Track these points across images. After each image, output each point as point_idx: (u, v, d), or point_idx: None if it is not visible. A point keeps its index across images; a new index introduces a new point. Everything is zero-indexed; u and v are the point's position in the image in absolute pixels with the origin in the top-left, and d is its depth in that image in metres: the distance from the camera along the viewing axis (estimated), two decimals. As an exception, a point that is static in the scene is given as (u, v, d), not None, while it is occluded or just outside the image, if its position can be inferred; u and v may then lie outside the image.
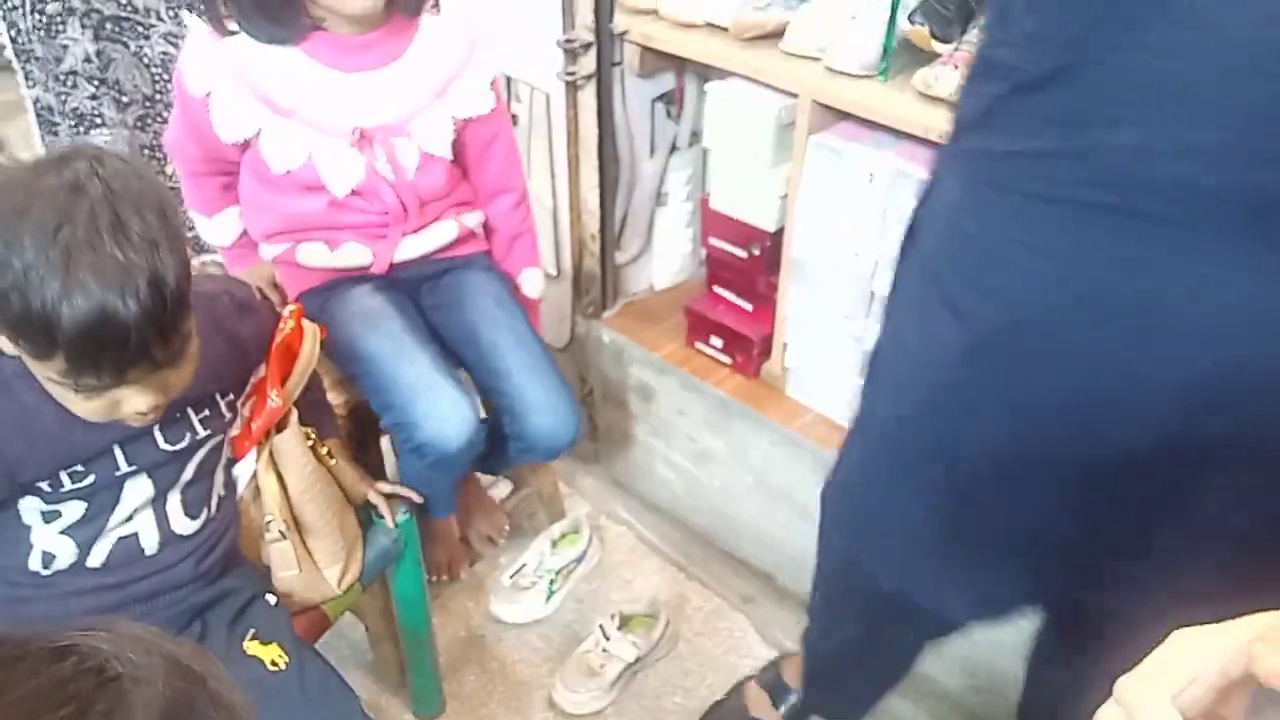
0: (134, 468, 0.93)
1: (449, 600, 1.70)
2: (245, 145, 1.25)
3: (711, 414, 1.65)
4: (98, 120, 2.16)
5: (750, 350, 1.62)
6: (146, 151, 2.21)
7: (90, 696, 0.32)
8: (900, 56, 1.27)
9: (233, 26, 1.18)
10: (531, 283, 1.50)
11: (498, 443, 1.43)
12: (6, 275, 0.72)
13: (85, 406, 0.82)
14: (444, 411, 1.26)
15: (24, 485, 0.88)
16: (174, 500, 0.98)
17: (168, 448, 0.95)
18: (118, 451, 0.91)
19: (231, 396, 1.02)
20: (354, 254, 1.34)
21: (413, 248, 1.37)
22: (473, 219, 1.43)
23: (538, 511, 1.80)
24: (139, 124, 2.18)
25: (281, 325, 1.04)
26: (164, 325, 0.77)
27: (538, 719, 1.54)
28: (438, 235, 1.39)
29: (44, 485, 0.89)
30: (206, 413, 0.98)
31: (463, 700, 1.56)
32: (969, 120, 0.78)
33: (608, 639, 1.57)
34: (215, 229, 1.40)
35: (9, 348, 0.80)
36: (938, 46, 1.22)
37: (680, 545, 1.81)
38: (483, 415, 1.35)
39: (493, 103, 1.31)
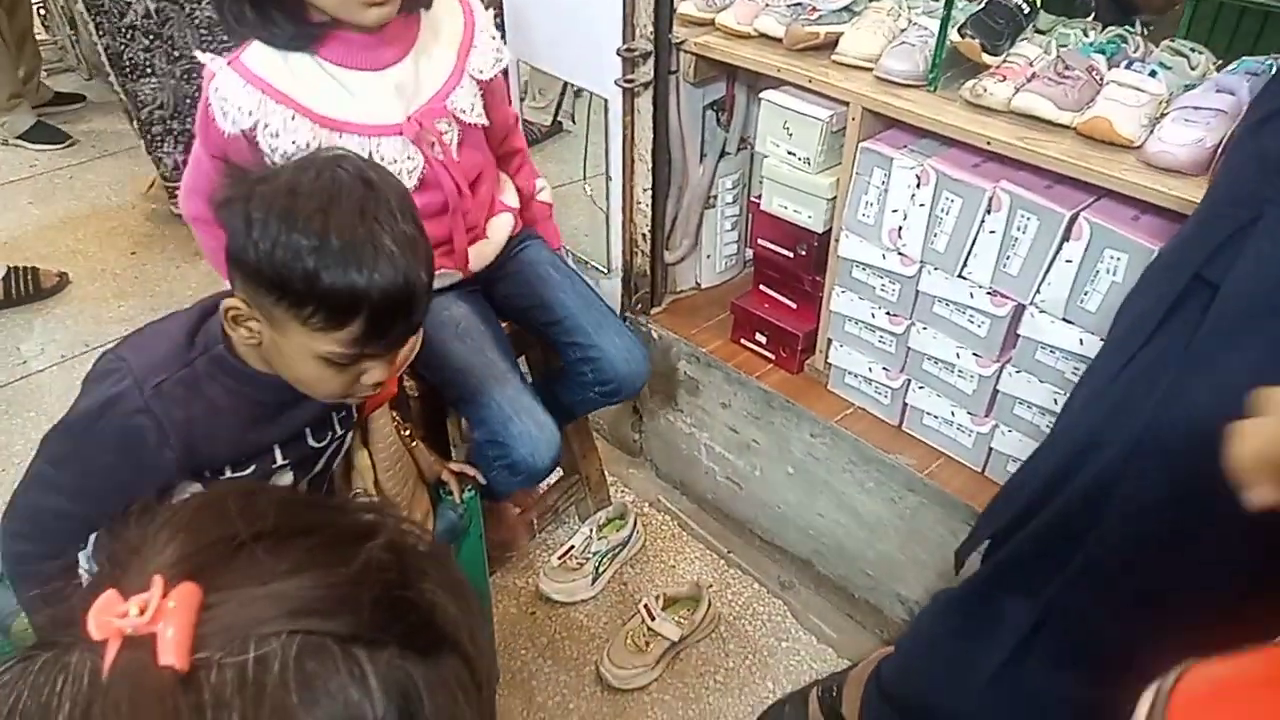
0: (286, 462, 1.02)
1: (500, 579, 1.78)
2: None
3: (754, 407, 1.73)
4: (148, 70, 2.32)
5: (794, 346, 1.69)
6: (189, 101, 2.40)
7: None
8: (949, 67, 1.34)
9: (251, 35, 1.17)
10: (545, 191, 1.59)
11: (574, 393, 1.55)
12: (323, 257, 0.80)
13: (334, 382, 0.89)
14: (535, 433, 1.37)
15: (195, 474, 0.96)
16: (301, 488, 1.07)
17: (314, 445, 1.04)
18: (277, 449, 1.00)
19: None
20: (445, 278, 1.42)
21: (485, 253, 1.45)
22: (511, 197, 1.50)
23: (585, 497, 1.88)
24: (184, 76, 2.34)
25: None
26: (430, 296, 0.87)
27: (586, 693, 1.61)
28: (500, 232, 1.47)
29: (207, 474, 0.97)
30: (344, 413, 1.07)
31: (514, 673, 1.63)
32: None
33: (652, 618, 1.65)
34: None
35: (245, 338, 0.88)
36: (987, 58, 1.29)
37: (721, 533, 1.88)
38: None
39: (509, 59, 1.36)
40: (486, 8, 1.34)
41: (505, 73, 1.40)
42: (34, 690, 0.35)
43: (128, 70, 2.32)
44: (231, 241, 0.83)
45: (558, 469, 1.86)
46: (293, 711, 0.34)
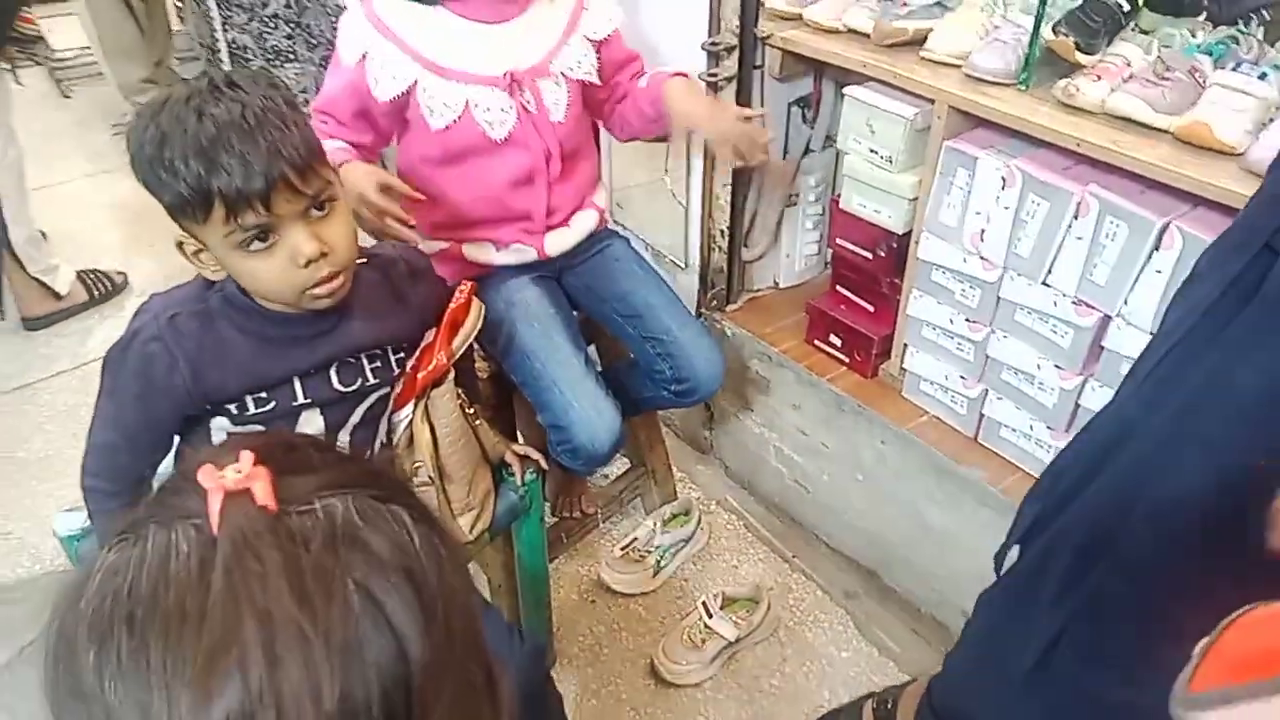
0: (309, 401, 1.05)
1: (562, 565, 1.80)
2: (398, 106, 1.32)
3: (825, 410, 1.70)
4: (290, 56, 2.50)
5: (869, 350, 1.65)
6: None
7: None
8: (1041, 66, 1.29)
9: None
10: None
11: (645, 389, 1.57)
12: (162, 151, 0.85)
13: (267, 266, 0.92)
14: (594, 418, 1.39)
15: (216, 406, 1.02)
16: (343, 440, 1.10)
17: (340, 388, 1.07)
18: (297, 384, 1.04)
19: (402, 354, 1.13)
20: (520, 253, 1.46)
21: (565, 241, 1.48)
22: (601, 198, 1.54)
23: (650, 491, 1.88)
24: (323, 63, 2.49)
25: (456, 296, 1.16)
26: (292, 154, 0.87)
27: (639, 684, 1.62)
28: (582, 225, 1.50)
29: (232, 408, 1.02)
30: (378, 363, 1.10)
31: (570, 659, 1.65)
32: None
33: (710, 616, 1.64)
34: None
35: (212, 271, 0.95)
36: (1081, 58, 1.24)
37: (786, 536, 1.86)
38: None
39: (622, 16, 1.42)
40: None
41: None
42: (155, 543, 0.44)
43: (270, 59, 2.48)
44: None
45: (624, 460, 1.90)
46: (360, 534, 0.45)
